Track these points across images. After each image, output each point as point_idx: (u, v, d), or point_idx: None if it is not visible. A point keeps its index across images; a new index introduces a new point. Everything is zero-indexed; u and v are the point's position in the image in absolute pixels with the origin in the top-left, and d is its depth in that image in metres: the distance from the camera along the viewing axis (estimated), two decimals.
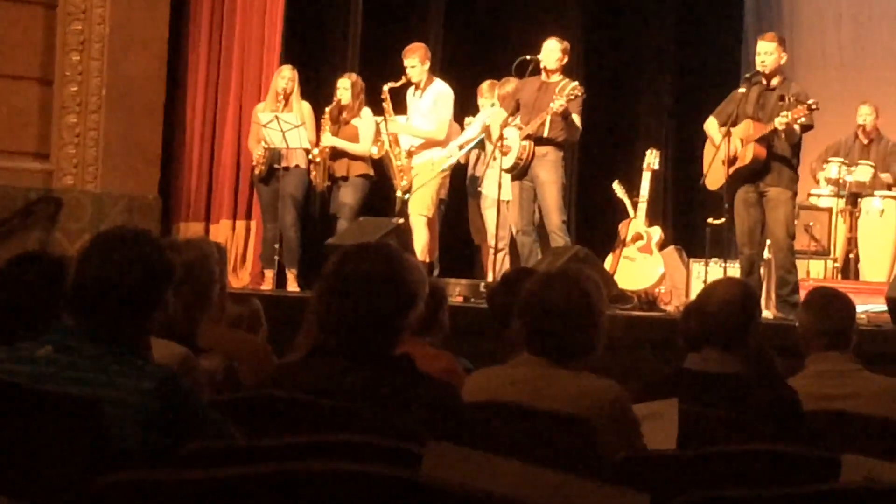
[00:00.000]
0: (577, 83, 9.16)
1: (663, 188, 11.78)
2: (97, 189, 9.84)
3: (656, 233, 9.99)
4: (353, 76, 10.07)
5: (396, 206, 10.06)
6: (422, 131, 9.96)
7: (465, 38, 11.85)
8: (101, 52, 9.78)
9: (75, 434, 2.85)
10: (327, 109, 9.92)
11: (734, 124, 8.35)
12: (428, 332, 4.57)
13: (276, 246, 9.85)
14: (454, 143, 9.97)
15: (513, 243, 9.59)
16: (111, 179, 9.87)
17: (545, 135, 9.04)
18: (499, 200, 9.39)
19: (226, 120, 10.68)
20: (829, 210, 10.18)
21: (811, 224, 9.93)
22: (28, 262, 3.79)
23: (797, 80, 9.51)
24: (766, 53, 8.35)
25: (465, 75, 10.79)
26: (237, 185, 10.68)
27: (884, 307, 7.96)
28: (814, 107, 8.09)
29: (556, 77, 9.19)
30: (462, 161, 10.19)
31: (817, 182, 10.62)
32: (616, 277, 9.41)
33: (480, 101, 10.23)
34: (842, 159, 10.43)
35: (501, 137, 9.13)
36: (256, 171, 10.01)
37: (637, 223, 9.94)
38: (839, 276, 10.17)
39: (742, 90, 8.47)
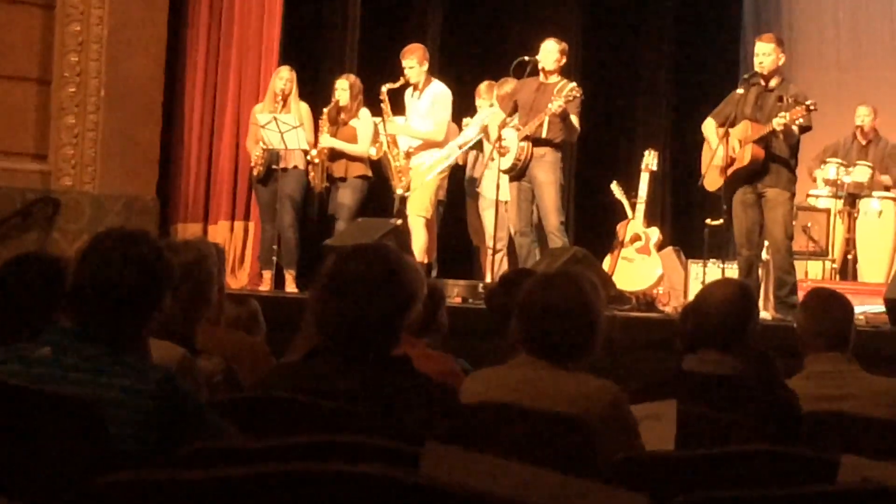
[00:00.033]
0: (575, 84, 9.17)
1: (661, 189, 11.79)
2: (95, 190, 9.84)
3: (654, 234, 10.00)
4: (352, 77, 10.07)
5: (395, 205, 10.08)
6: (420, 132, 9.97)
7: (463, 39, 11.85)
8: (100, 53, 9.79)
9: (74, 435, 2.85)
10: (325, 110, 9.92)
11: (732, 125, 8.35)
12: (426, 333, 4.58)
13: (275, 247, 9.86)
14: (453, 144, 9.98)
15: (511, 244, 9.60)
16: (109, 180, 9.87)
17: (543, 136, 9.04)
18: (497, 201, 9.40)
19: (224, 121, 10.68)
20: (828, 211, 10.19)
21: (809, 225, 9.94)
22: (26, 263, 3.79)
23: (795, 81, 9.52)
24: (765, 54, 8.35)
25: (463, 76, 10.79)
26: (235, 186, 10.69)
27: (882, 308, 7.96)
28: (812, 108, 8.09)
29: (554, 78, 9.19)
30: (460, 162, 10.20)
31: (814, 180, 10.62)
32: (614, 278, 9.41)
33: (478, 102, 10.24)
34: (840, 160, 10.44)
35: (500, 138, 9.13)
36: (255, 172, 10.02)
37: (635, 224, 9.95)
38: (837, 276, 10.18)
39: (740, 91, 8.47)
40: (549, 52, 9.20)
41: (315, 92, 10.42)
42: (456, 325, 5.32)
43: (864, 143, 10.74)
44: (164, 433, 2.90)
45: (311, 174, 9.93)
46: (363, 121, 9.89)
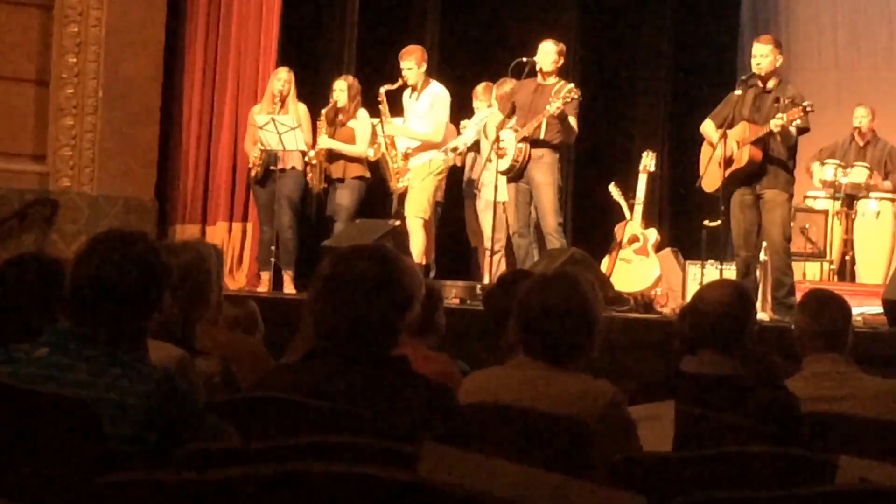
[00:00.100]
0: (573, 85, 9.17)
1: (659, 190, 11.79)
2: (93, 191, 9.85)
3: (652, 235, 10.00)
4: (350, 78, 10.07)
5: (393, 206, 10.08)
6: (418, 133, 9.97)
7: (461, 41, 11.86)
8: (98, 54, 9.79)
9: (72, 435, 2.85)
10: (323, 111, 9.92)
11: (730, 126, 8.35)
12: (424, 334, 4.58)
13: (273, 248, 9.86)
14: (451, 144, 9.99)
15: (509, 245, 9.60)
16: (107, 181, 9.87)
17: (541, 137, 9.04)
18: (495, 202, 9.41)
19: (222, 122, 10.68)
20: (826, 212, 10.19)
21: (807, 226, 9.94)
22: (25, 264, 3.79)
23: (794, 82, 9.52)
24: (762, 56, 8.34)
25: (461, 77, 10.80)
26: (233, 187, 10.69)
27: (880, 309, 7.96)
28: (809, 109, 8.09)
29: (551, 79, 9.19)
30: (459, 163, 10.20)
31: (811, 176, 10.61)
32: (612, 279, 9.41)
33: (476, 104, 10.25)
34: (838, 161, 10.44)
35: (498, 139, 9.13)
36: (253, 173, 10.02)
37: (633, 225, 9.94)
38: (835, 278, 10.18)
39: (738, 92, 8.46)
40: (547, 54, 9.20)
41: (313, 93, 10.42)
42: (454, 326, 5.32)
43: (862, 144, 10.74)
44: (162, 434, 2.90)
45: (310, 175, 9.93)
46: (361, 122, 9.89)
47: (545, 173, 9.07)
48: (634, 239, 9.90)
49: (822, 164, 10.52)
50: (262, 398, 3.26)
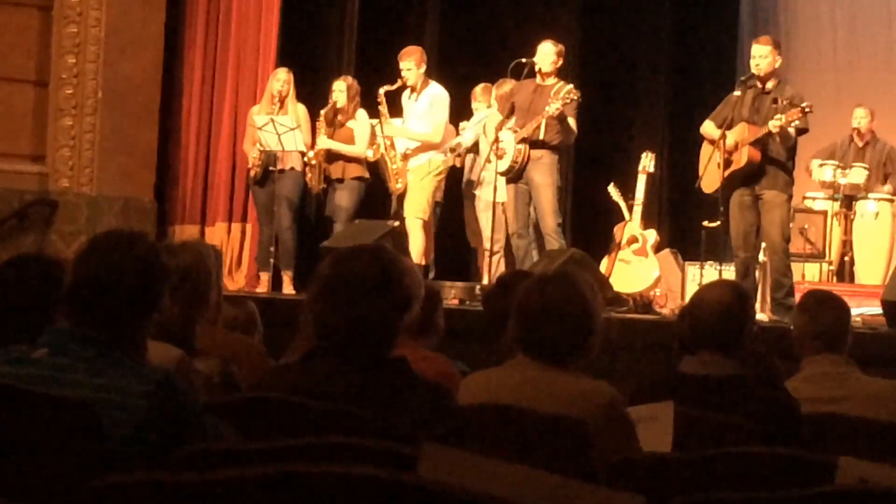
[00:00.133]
0: (572, 86, 9.17)
1: (658, 191, 11.79)
2: (93, 191, 9.84)
3: (651, 236, 10.00)
4: (349, 79, 10.07)
5: (392, 207, 10.08)
6: (418, 134, 9.97)
7: (460, 42, 11.85)
8: (97, 54, 9.79)
9: (71, 436, 2.85)
10: (322, 112, 9.92)
11: (730, 127, 8.36)
12: (423, 335, 4.58)
13: (272, 248, 9.86)
14: (453, 143, 10.00)
15: (508, 246, 9.60)
16: (107, 182, 9.87)
17: (541, 138, 9.05)
18: (494, 203, 9.41)
19: (221, 122, 10.68)
20: (825, 213, 10.19)
21: (806, 227, 9.94)
22: (24, 265, 3.79)
23: (793, 82, 9.52)
24: (761, 57, 8.35)
25: (460, 78, 10.79)
26: (233, 187, 10.69)
27: (879, 310, 7.97)
28: (807, 110, 8.10)
29: (550, 80, 9.19)
30: (458, 164, 10.20)
31: (811, 174, 10.60)
32: (611, 280, 9.41)
33: (474, 105, 10.25)
34: (837, 162, 10.44)
35: (497, 140, 9.13)
36: (252, 174, 10.02)
37: (632, 226, 9.94)
38: (834, 278, 10.19)
39: (737, 93, 8.47)
40: (546, 54, 9.20)
41: (312, 93, 10.42)
42: (453, 326, 5.32)
43: (860, 144, 10.74)
44: (161, 435, 2.90)
45: (309, 176, 9.93)
46: (360, 122, 9.89)
47: (544, 174, 9.07)
48: (633, 240, 9.90)
49: (821, 164, 10.52)
50: (262, 399, 3.26)
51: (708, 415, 3.70)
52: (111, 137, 9.84)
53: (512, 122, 9.22)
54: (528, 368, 3.61)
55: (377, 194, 10.21)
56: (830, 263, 10.21)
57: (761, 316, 8.10)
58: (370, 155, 9.93)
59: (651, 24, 12.47)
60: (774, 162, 8.30)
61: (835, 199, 10.27)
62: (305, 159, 9.87)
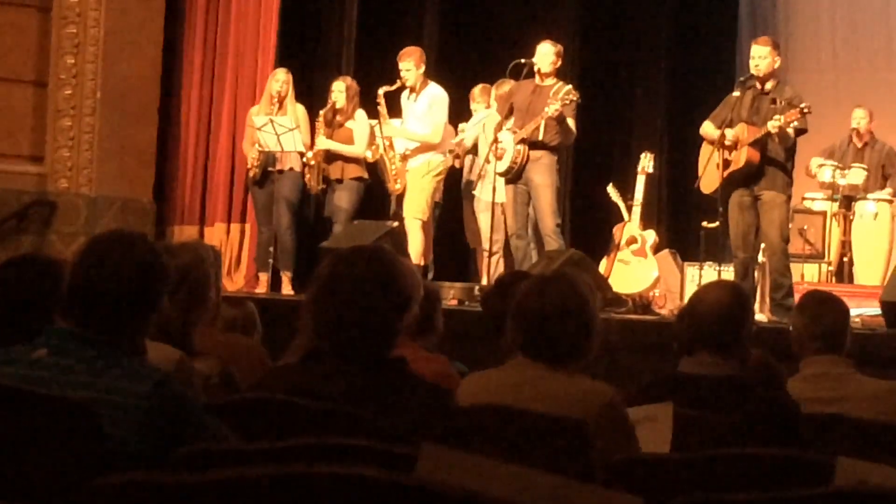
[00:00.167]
0: (571, 87, 9.17)
1: (658, 192, 11.79)
2: (91, 192, 9.84)
3: (651, 236, 10.00)
4: (348, 79, 10.07)
5: (391, 208, 10.08)
6: (417, 135, 9.97)
7: (460, 42, 11.86)
8: (96, 55, 9.79)
9: (71, 437, 2.85)
10: (321, 112, 9.92)
11: (729, 128, 8.36)
12: (422, 336, 4.58)
13: (271, 249, 9.86)
14: (454, 141, 10.00)
15: (507, 247, 9.60)
16: (105, 182, 9.87)
17: (540, 138, 9.05)
18: (493, 204, 9.41)
19: (220, 123, 10.68)
20: (824, 213, 10.20)
21: (805, 227, 9.95)
22: (23, 265, 3.79)
23: (792, 83, 9.52)
24: (760, 57, 8.35)
25: (460, 78, 10.80)
26: (231, 188, 10.69)
27: (878, 310, 7.96)
28: (806, 110, 8.10)
29: (549, 80, 9.19)
30: (457, 165, 10.21)
31: (812, 176, 10.59)
32: (610, 281, 9.42)
33: (473, 106, 10.25)
34: (836, 163, 10.45)
35: (496, 141, 9.14)
36: (251, 174, 10.02)
37: (631, 227, 9.95)
38: (833, 279, 10.19)
39: (736, 94, 8.48)
40: (545, 55, 9.20)
41: (311, 94, 10.43)
42: (452, 327, 5.32)
43: (860, 145, 10.74)
44: (160, 435, 2.90)
45: (308, 176, 9.93)
46: (359, 123, 9.89)
47: (543, 175, 9.07)
48: (633, 240, 9.91)
49: (820, 165, 10.52)
50: (261, 399, 3.26)
51: (707, 415, 3.70)
52: (110, 138, 9.84)
53: (511, 122, 9.22)
54: (527, 369, 3.61)
55: (376, 195, 10.21)
56: (829, 264, 10.21)
57: (760, 316, 8.09)
58: (369, 155, 9.93)
59: (650, 24, 12.47)
60: (773, 162, 8.30)
61: (834, 200, 10.27)
62: (304, 160, 9.87)
